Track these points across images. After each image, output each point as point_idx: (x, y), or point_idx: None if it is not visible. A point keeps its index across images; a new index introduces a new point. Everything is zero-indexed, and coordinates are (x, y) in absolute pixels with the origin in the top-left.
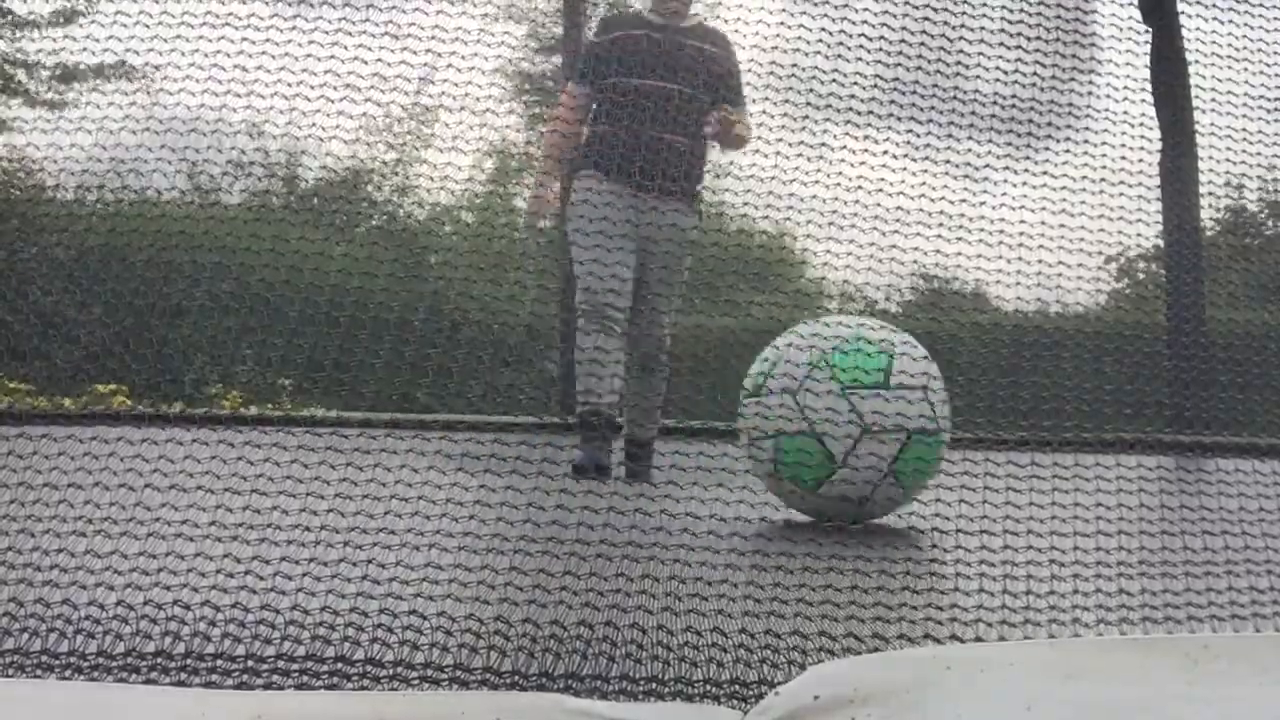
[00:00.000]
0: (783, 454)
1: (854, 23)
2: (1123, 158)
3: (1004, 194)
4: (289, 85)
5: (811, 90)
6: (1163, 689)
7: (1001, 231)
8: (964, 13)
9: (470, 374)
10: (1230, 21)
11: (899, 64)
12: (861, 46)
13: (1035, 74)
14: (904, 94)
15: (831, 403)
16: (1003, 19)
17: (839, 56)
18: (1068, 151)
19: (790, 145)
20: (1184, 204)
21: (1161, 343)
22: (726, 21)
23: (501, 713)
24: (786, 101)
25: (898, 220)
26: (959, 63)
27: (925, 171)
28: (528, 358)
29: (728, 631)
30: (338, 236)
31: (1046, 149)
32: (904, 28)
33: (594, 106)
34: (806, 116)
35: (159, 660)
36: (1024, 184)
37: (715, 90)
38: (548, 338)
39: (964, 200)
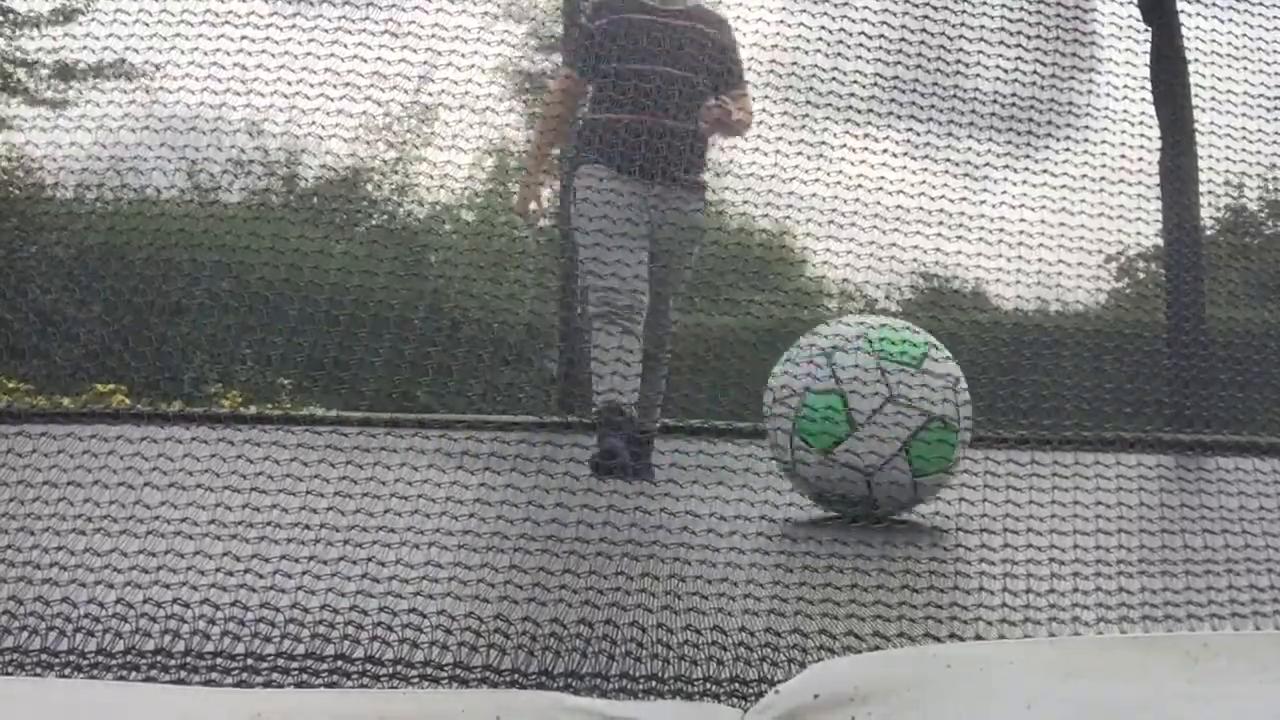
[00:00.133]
0: (806, 410)
1: (854, 21)
2: (1123, 156)
3: (1004, 193)
4: (288, 84)
5: (811, 89)
6: (1163, 687)
7: (1001, 230)
8: (964, 11)
9: (470, 373)
10: (1230, 20)
11: (899, 62)
12: (861, 45)
13: (1035, 72)
14: (904, 92)
15: (863, 362)
16: (1003, 17)
17: (839, 55)
18: (1068, 150)
19: (790, 144)
20: (1184, 203)
21: (1161, 341)
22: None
23: (501, 711)
24: (786, 100)
25: (898, 219)
26: (959, 61)
27: (925, 170)
28: (527, 356)
29: (728, 630)
30: (337, 235)
31: (1047, 148)
32: (904, 26)
33: (590, 93)
34: (806, 115)
35: (159, 658)
36: (1024, 183)
37: (716, 74)
38: (547, 336)
39: (964, 199)
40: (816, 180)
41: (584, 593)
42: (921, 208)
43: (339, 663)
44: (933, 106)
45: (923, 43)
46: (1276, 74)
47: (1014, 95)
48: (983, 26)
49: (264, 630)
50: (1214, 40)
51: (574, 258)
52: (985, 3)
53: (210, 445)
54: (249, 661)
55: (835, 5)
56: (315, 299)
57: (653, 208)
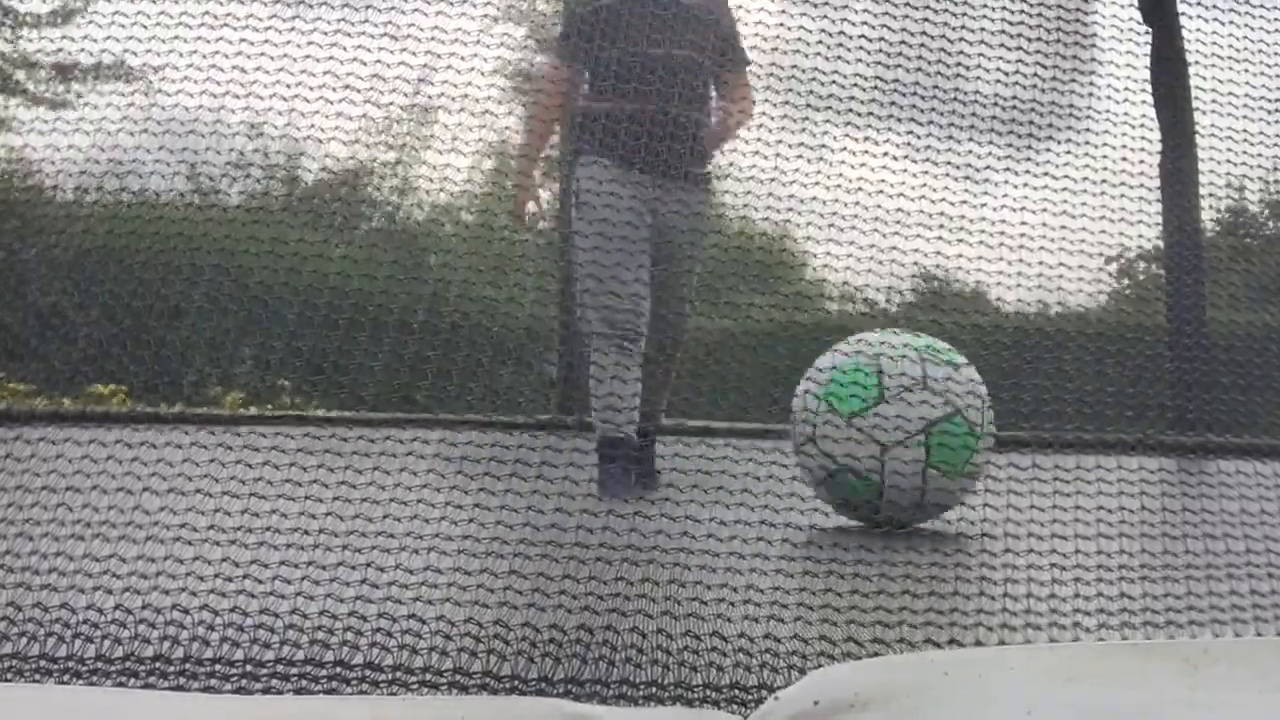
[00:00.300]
0: (838, 376)
1: (854, 24)
2: (1123, 159)
3: (1004, 195)
4: (288, 86)
5: (811, 91)
6: (1163, 694)
7: (1002, 233)
8: (964, 13)
9: (469, 375)
10: (1231, 23)
11: (899, 65)
12: (862, 48)
13: (1036, 75)
14: (904, 95)
15: (904, 352)
16: (1003, 20)
17: (839, 58)
18: (1068, 153)
19: (790, 146)
20: (1184, 205)
21: (1163, 344)
22: None
23: (500, 717)
24: (786, 103)
25: (898, 222)
26: (959, 64)
27: (926, 173)
28: (527, 360)
29: (727, 635)
30: (337, 238)
31: (1047, 150)
32: (904, 29)
33: (588, 79)
34: (806, 118)
35: (157, 664)
36: (1024, 185)
37: (721, 54)
38: (547, 339)
39: (964, 202)
40: (817, 183)
41: (584, 598)
42: (922, 210)
43: (338, 669)
44: (933, 109)
45: (923, 45)
46: (1277, 76)
47: (1014, 98)
48: (983, 29)
49: (263, 636)
50: (1215, 42)
51: (572, 260)
52: (985, 5)
53: (209, 450)
54: (248, 668)
55: (835, 8)
56: (315, 302)
57: (655, 206)
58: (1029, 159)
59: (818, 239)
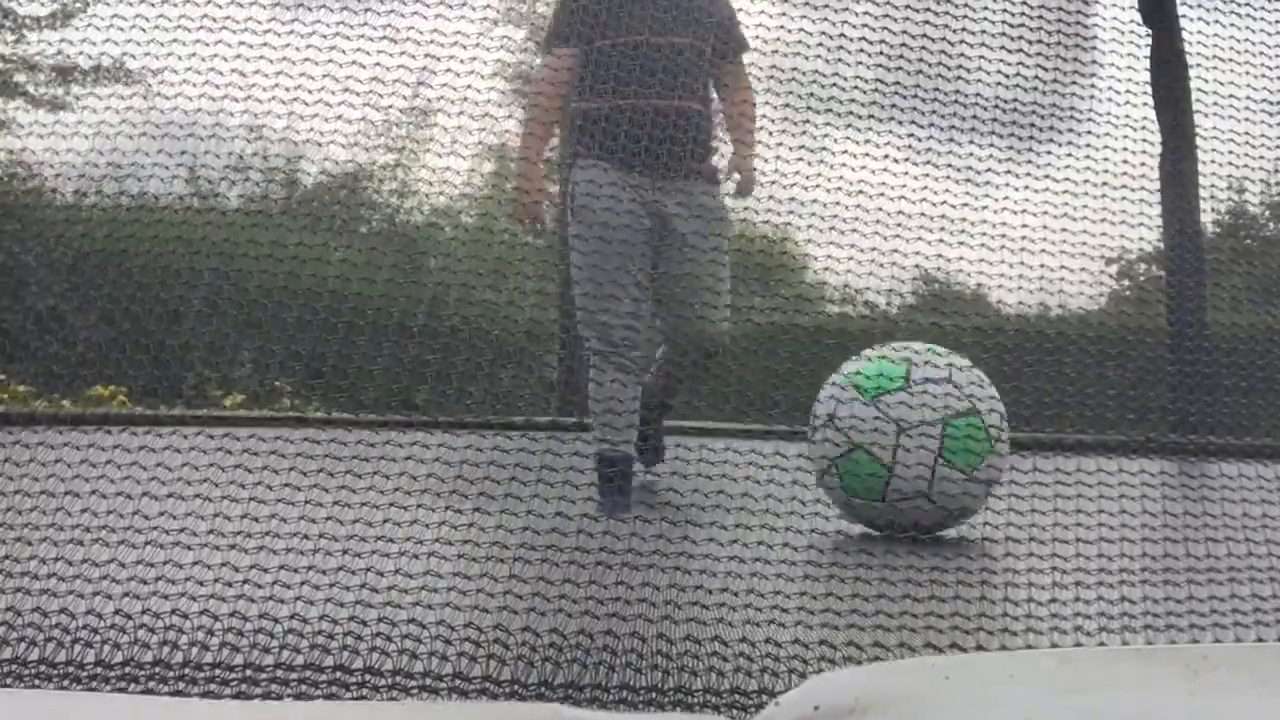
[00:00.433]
0: (867, 366)
1: (854, 26)
2: (1124, 160)
3: (1005, 197)
4: (287, 89)
5: (812, 94)
6: (1163, 700)
7: (1003, 235)
8: (964, 16)
9: (469, 378)
10: (1231, 24)
11: (899, 67)
12: (862, 50)
13: (1036, 77)
14: (904, 97)
15: (929, 357)
16: (1002, 22)
17: (839, 60)
18: (1069, 155)
19: (790, 149)
20: (1185, 207)
21: (1164, 346)
22: None
23: None
24: (787, 105)
25: (899, 224)
26: (959, 66)
27: (926, 175)
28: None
29: (728, 640)
30: (337, 240)
31: (1048, 152)
32: (904, 31)
33: (584, 71)
34: (807, 120)
35: (157, 669)
36: (1025, 187)
37: (722, 40)
38: (546, 342)
39: (965, 204)
40: (817, 186)
41: (584, 603)
42: (922, 213)
43: (338, 673)
44: (933, 111)
45: (923, 48)
46: (1278, 77)
47: (1014, 100)
48: (983, 31)
49: (263, 641)
50: (1215, 44)
51: (571, 264)
52: (985, 7)
53: (208, 454)
54: (248, 672)
55: (835, 10)
56: (314, 306)
57: (657, 209)
58: (1029, 161)
59: (818, 241)
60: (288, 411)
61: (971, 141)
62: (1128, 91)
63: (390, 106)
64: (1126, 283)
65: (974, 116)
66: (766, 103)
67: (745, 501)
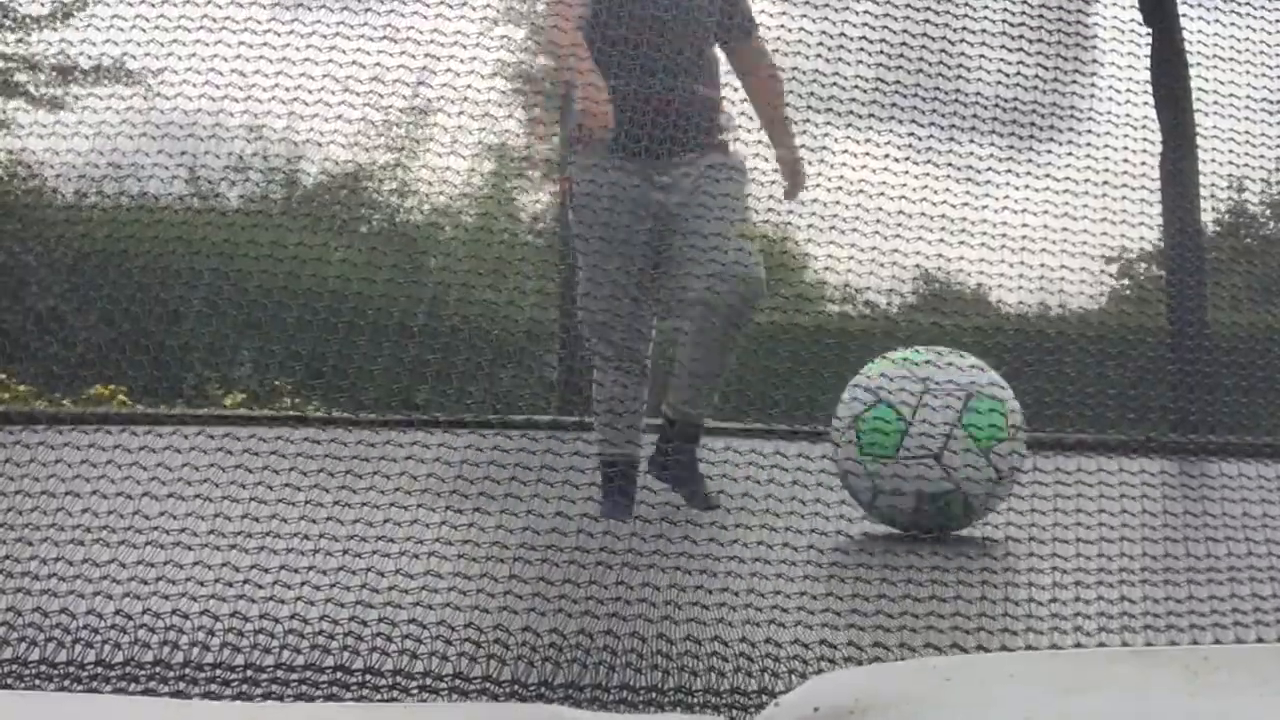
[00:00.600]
0: (900, 350)
1: (854, 25)
2: (1124, 160)
3: (1005, 196)
4: (287, 89)
5: (812, 93)
6: (1163, 701)
7: (1003, 234)
8: (964, 15)
9: (469, 378)
10: (1232, 23)
11: (899, 66)
12: (862, 49)
13: (1036, 76)
14: (904, 96)
15: (951, 359)
16: (1002, 20)
17: (839, 59)
18: (1069, 154)
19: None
20: (1185, 206)
21: (1164, 345)
22: None
23: None
24: (787, 105)
25: (899, 223)
26: (959, 65)
27: (926, 175)
28: (527, 362)
29: (728, 641)
30: (337, 240)
31: (1048, 151)
32: (904, 30)
33: (592, 33)
34: (807, 119)
35: (158, 670)
36: (1025, 186)
37: (730, 17)
38: (547, 341)
39: (965, 203)
40: (817, 185)
41: (584, 603)
42: (923, 212)
43: (338, 674)
44: (933, 110)
45: (923, 46)
46: (1278, 76)
47: (1014, 99)
48: (983, 30)
49: (263, 641)
50: (1215, 43)
51: (574, 262)
52: (985, 6)
53: (209, 454)
54: (248, 673)
55: (835, 9)
56: (314, 305)
57: (661, 197)
58: (1030, 160)
59: (818, 240)
60: (288, 411)
61: (972, 140)
62: (1128, 90)
63: (390, 106)
64: (1127, 282)
65: (974, 115)
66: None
67: (745, 501)
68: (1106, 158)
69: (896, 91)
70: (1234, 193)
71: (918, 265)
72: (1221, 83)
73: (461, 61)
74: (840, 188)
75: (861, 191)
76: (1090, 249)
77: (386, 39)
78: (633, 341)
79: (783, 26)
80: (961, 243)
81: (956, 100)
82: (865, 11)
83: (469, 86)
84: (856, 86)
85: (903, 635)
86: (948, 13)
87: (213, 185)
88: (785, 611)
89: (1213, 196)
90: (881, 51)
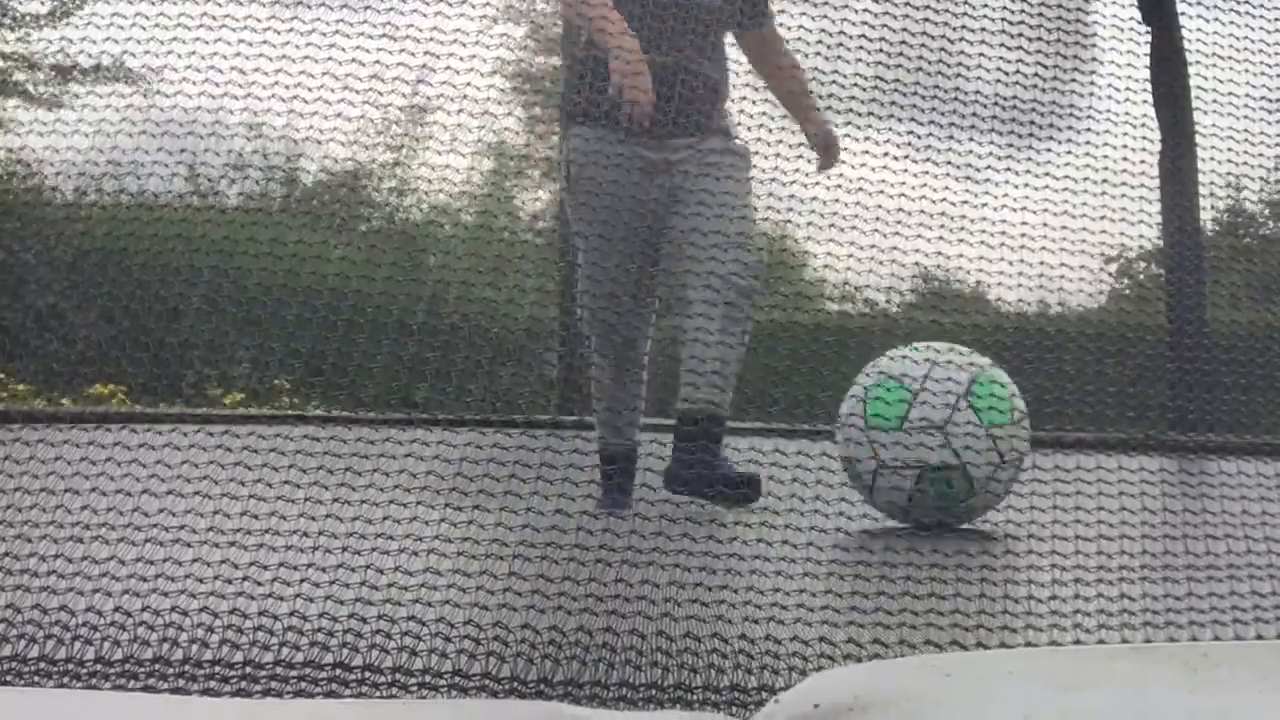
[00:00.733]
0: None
1: (854, 23)
2: (1123, 158)
3: (1004, 194)
4: (286, 87)
5: (811, 91)
6: (1162, 698)
7: (1002, 233)
8: (963, 13)
9: (469, 376)
10: (1231, 22)
11: (899, 64)
12: (861, 47)
13: (1035, 74)
14: (904, 95)
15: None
16: (1002, 19)
17: (839, 57)
18: (1068, 152)
19: (790, 146)
20: (1184, 204)
21: (1163, 344)
22: None
23: (500, 719)
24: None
25: (898, 221)
26: (959, 63)
27: (925, 173)
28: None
29: (727, 637)
30: (336, 238)
31: (1047, 149)
32: (904, 28)
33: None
34: None
35: (157, 667)
36: (1024, 184)
37: (746, 1)
38: (546, 339)
39: (965, 201)
40: (816, 183)
41: (583, 600)
42: (922, 210)
43: (338, 671)
44: (933, 109)
45: (923, 45)
46: (1278, 75)
47: (1014, 97)
48: (982, 29)
49: (262, 638)
50: (1215, 41)
51: (574, 251)
52: (985, 5)
53: (208, 451)
54: (247, 670)
55: (835, 7)
56: (314, 303)
57: (663, 181)
58: (1029, 158)
59: (818, 239)
60: (287, 409)
61: (971, 139)
62: (1127, 89)
63: (390, 104)
64: (1126, 280)
65: (973, 114)
66: (766, 99)
67: (744, 500)
68: (1106, 156)
69: (896, 90)
70: (1233, 191)
71: (917, 263)
72: (1221, 81)
73: (461, 59)
74: (839, 185)
75: (861, 189)
76: (1090, 247)
77: (386, 37)
78: (629, 333)
79: (782, 24)
80: (961, 241)
81: (956, 98)
82: (865, 10)
83: (468, 84)
84: (856, 85)
85: (902, 632)
86: (947, 11)
87: (212, 183)
88: (785, 609)
89: (1212, 195)
90: (881, 50)
